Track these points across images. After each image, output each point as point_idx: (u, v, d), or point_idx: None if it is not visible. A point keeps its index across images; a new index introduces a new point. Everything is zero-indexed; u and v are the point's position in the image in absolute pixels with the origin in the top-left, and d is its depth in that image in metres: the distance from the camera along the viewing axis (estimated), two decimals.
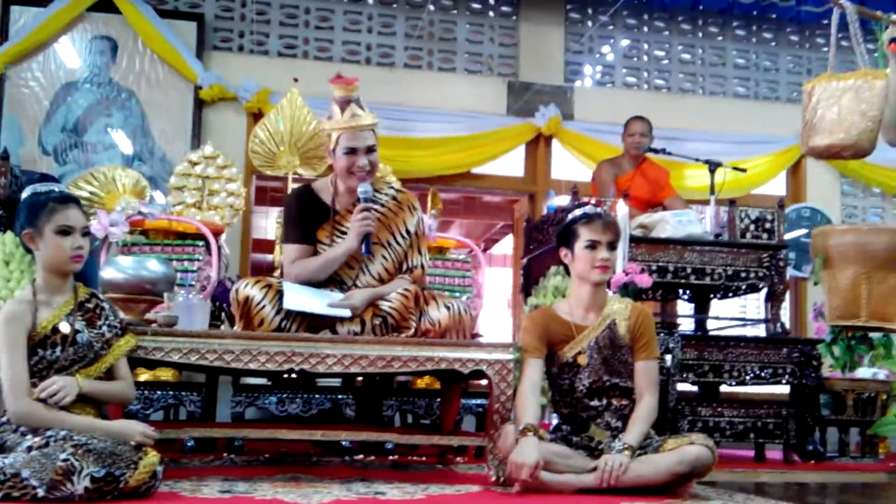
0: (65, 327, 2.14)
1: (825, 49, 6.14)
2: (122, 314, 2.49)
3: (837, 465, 3.82)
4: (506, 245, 8.24)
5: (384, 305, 2.67)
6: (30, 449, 1.93)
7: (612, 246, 2.55)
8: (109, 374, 2.25)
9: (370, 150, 2.76)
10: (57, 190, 2.24)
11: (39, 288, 2.18)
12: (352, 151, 2.74)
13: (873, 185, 6.13)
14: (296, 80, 4.16)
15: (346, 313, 2.62)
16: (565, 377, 2.56)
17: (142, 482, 1.98)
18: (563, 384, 2.57)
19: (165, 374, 3.72)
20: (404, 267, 2.83)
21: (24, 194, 2.24)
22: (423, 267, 2.86)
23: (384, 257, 2.81)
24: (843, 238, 2.27)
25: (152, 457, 2.02)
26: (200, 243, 3.61)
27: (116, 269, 2.71)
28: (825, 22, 5.65)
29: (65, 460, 1.86)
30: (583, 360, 2.53)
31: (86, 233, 2.21)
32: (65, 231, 2.16)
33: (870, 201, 6.23)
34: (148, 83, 5.26)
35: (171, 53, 5.21)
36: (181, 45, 5.23)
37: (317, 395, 3.53)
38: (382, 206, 2.85)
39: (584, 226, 2.56)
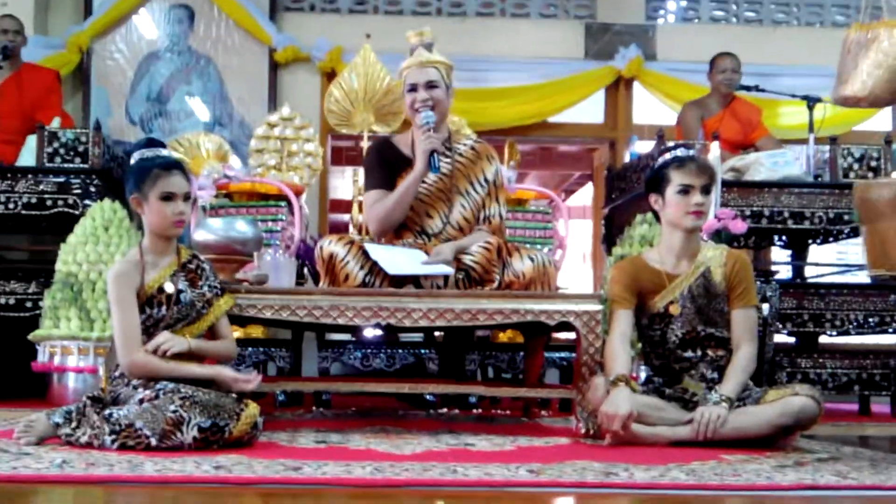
0: (169, 287, 2.24)
1: None
2: None
3: None
4: (583, 196, 8.07)
5: (466, 259, 2.65)
6: (141, 401, 2.04)
7: (706, 190, 2.45)
8: (210, 333, 2.34)
9: (431, 84, 2.78)
10: (162, 156, 2.30)
11: (145, 249, 2.28)
12: (413, 88, 2.79)
13: None
14: (368, 36, 4.13)
15: (447, 270, 2.61)
16: (657, 328, 2.48)
17: (244, 432, 2.07)
18: (655, 335, 2.49)
19: (256, 332, 3.82)
20: (482, 216, 2.83)
21: (132, 160, 2.31)
22: (500, 217, 2.85)
23: (463, 206, 2.81)
24: (877, 192, 2.17)
25: (252, 408, 2.12)
26: (282, 204, 3.67)
27: (207, 230, 2.78)
28: None
29: (174, 412, 1.97)
30: (675, 309, 2.45)
31: (187, 198, 2.27)
32: (167, 197, 2.24)
33: None
34: (224, 49, 5.32)
35: (245, 17, 5.25)
36: (254, 8, 5.26)
37: (400, 350, 3.56)
38: (461, 155, 2.85)
39: (676, 170, 2.46)
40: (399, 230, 2.81)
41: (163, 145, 2.37)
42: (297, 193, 3.75)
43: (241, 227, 2.83)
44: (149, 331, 2.21)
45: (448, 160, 2.84)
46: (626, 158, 4.30)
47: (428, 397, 3.40)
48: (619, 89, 5.46)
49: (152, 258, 2.26)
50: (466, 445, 2.24)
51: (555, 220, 3.83)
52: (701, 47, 5.06)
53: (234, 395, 2.12)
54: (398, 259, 2.62)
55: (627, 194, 3.94)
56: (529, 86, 5.33)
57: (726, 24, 5.65)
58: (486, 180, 2.86)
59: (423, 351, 3.57)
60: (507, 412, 3.38)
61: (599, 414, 2.29)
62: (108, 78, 5.29)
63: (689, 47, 5.33)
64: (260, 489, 1.60)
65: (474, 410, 3.39)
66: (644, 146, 4.12)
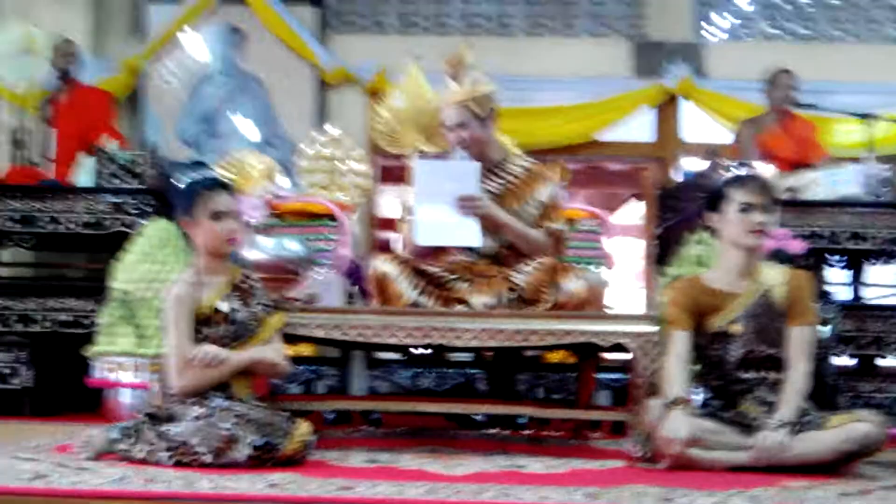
0: (224, 307, 2.27)
1: None
2: None
3: None
4: (629, 214, 7.98)
5: (518, 279, 2.63)
6: (196, 419, 2.06)
7: (767, 209, 2.40)
8: None
9: (461, 125, 2.76)
10: (209, 177, 2.35)
11: (198, 269, 2.30)
12: (447, 127, 2.79)
13: None
14: (419, 57, 4.15)
15: (474, 241, 2.63)
16: (716, 348, 2.43)
17: (296, 451, 2.08)
18: (713, 355, 2.43)
19: (305, 350, 3.84)
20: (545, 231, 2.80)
21: (180, 182, 2.36)
22: (559, 230, 2.82)
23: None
24: None
25: (305, 427, 2.14)
26: (332, 223, 3.69)
27: (258, 249, 2.81)
28: None
29: (228, 429, 2.00)
30: (736, 328, 2.40)
31: (236, 216, 2.30)
32: (217, 215, 2.27)
33: None
34: (273, 69, 5.41)
35: (293, 39, 5.34)
36: (303, 29, 5.35)
37: (449, 370, 3.55)
38: (514, 176, 2.84)
39: (738, 188, 2.43)
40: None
41: (207, 166, 2.42)
42: (347, 212, 3.78)
43: (292, 246, 2.86)
44: None
45: (501, 181, 2.83)
46: (676, 177, 4.25)
47: (477, 418, 3.37)
48: (668, 107, 5.40)
49: (206, 278, 2.29)
50: (518, 467, 2.22)
51: (604, 239, 3.78)
52: (752, 64, 4.97)
53: (285, 414, 2.14)
54: (436, 229, 2.64)
55: (681, 214, 3.89)
56: (578, 105, 5.31)
57: (779, 40, 5.56)
58: (539, 202, 2.83)
59: (472, 371, 3.55)
60: (558, 433, 3.33)
61: (657, 438, 2.24)
62: (161, 99, 5.42)
63: (741, 64, 5.25)
64: None
65: (524, 431, 3.34)
66: (693, 164, 4.07)
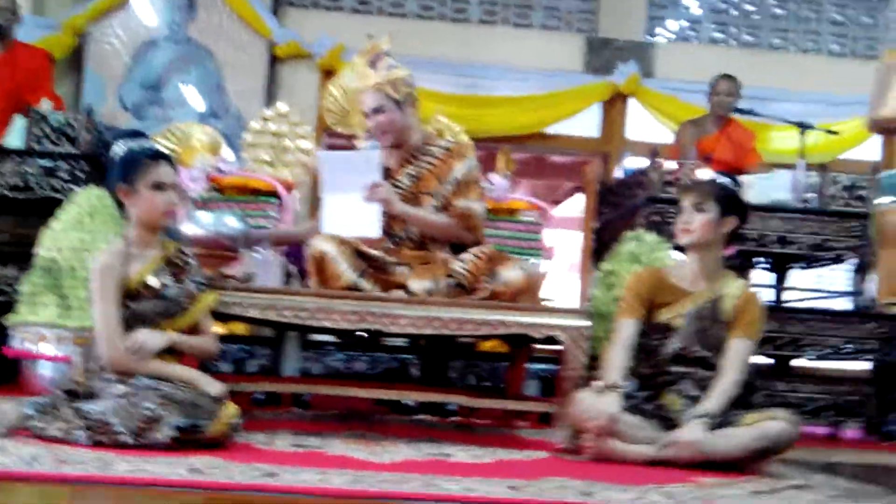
0: (153, 281, 2.20)
1: None
2: None
3: None
4: (572, 207, 8.09)
5: (457, 266, 2.64)
6: (118, 397, 2.00)
7: (697, 207, 2.47)
8: (192, 329, 2.30)
9: (378, 110, 2.77)
10: (151, 146, 2.27)
11: (131, 242, 2.23)
12: (364, 113, 2.81)
13: None
14: (371, 36, 4.10)
15: (372, 233, 2.63)
16: (656, 338, 2.50)
17: (221, 433, 2.04)
18: (651, 346, 2.51)
19: (238, 329, 3.79)
20: (451, 212, 2.82)
21: (118, 150, 2.27)
22: (471, 210, 2.82)
23: (432, 207, 2.80)
24: (892, 217, 2.19)
25: (231, 409, 2.08)
26: (273, 200, 3.64)
27: (196, 224, 2.75)
28: None
29: (150, 409, 1.94)
30: (678, 322, 2.48)
31: (177, 188, 2.25)
32: (158, 187, 2.20)
33: None
34: (224, 40, 5.30)
35: (246, 9, 5.23)
36: (256, 1, 5.23)
37: (383, 355, 3.55)
38: (434, 157, 2.85)
39: (680, 192, 2.60)
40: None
41: (145, 136, 2.35)
42: (289, 190, 3.73)
43: (231, 222, 2.81)
44: (129, 325, 2.16)
45: (421, 163, 2.84)
46: (617, 173, 4.31)
47: (408, 403, 3.38)
48: (615, 104, 5.48)
49: (137, 250, 2.22)
50: (445, 456, 2.23)
51: (544, 231, 3.82)
52: (699, 67, 5.10)
53: (212, 394, 2.09)
54: (343, 220, 2.64)
55: (618, 209, 3.95)
56: (528, 96, 5.35)
57: (725, 45, 5.68)
58: (454, 179, 2.83)
59: (406, 356, 3.56)
60: (486, 421, 3.37)
61: (583, 415, 2.30)
62: (104, 63, 5.24)
63: (687, 67, 5.37)
64: (235, 496, 1.57)
65: (453, 418, 3.37)
66: (636, 162, 4.14)
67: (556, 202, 8.34)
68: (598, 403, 2.28)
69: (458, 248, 2.82)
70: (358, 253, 2.60)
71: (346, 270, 2.57)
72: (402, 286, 2.62)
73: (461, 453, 2.29)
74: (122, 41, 5.26)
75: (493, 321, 2.50)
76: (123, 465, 1.71)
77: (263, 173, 3.79)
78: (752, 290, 2.54)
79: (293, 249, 3.37)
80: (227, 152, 4.05)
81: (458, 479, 1.82)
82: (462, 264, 2.64)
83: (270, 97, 5.15)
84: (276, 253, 3.01)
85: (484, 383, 3.75)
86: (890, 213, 2.31)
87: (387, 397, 2.73)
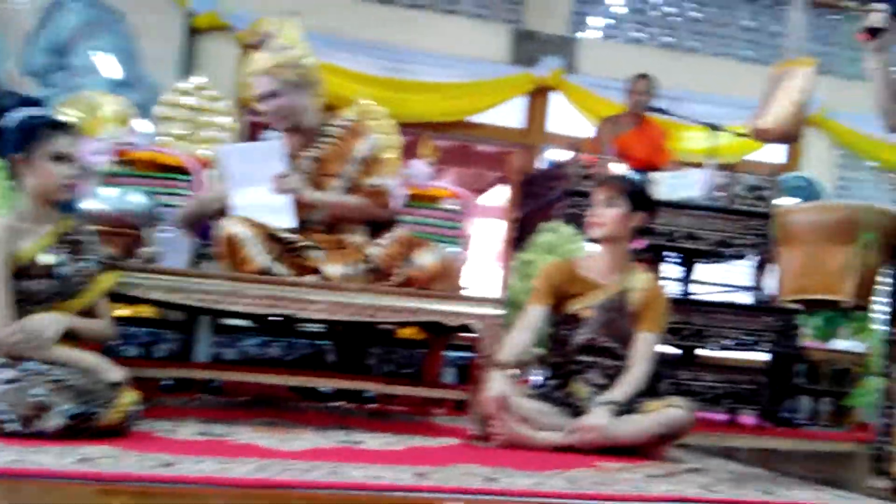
0: (46, 258, 2.06)
1: (834, 17, 5.98)
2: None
3: (808, 432, 3.88)
4: (497, 196, 8.15)
5: (372, 250, 2.62)
6: (4, 382, 1.88)
7: (609, 202, 2.55)
8: (89, 311, 2.17)
9: (271, 94, 2.69)
10: (50, 114, 2.14)
11: (23, 216, 2.09)
12: (258, 99, 2.72)
13: (867, 159, 6.08)
14: (298, 13, 4.00)
15: (286, 222, 2.59)
16: (565, 328, 2.58)
17: (116, 421, 1.94)
18: (561, 335, 2.59)
19: (146, 311, 3.65)
20: (361, 193, 2.79)
21: (15, 117, 2.12)
22: (382, 188, 2.80)
23: (336, 188, 2.76)
24: (796, 216, 2.34)
25: (129, 396, 1.99)
26: (185, 177, 3.51)
27: (98, 199, 2.63)
28: None
29: (39, 396, 1.83)
30: (587, 313, 2.55)
31: (78, 160, 2.12)
32: (58, 158, 2.07)
33: (865, 175, 6.18)
34: (139, 6, 5.05)
35: None
36: None
37: (299, 340, 3.49)
38: (334, 137, 2.80)
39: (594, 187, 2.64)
40: None
41: (40, 104, 2.21)
42: (204, 167, 3.60)
43: (136, 199, 2.69)
44: (21, 305, 2.02)
45: (321, 145, 2.78)
46: (539, 164, 4.36)
47: (324, 389, 3.34)
48: (539, 97, 5.54)
49: (29, 225, 2.08)
50: (356, 443, 2.21)
51: (465, 219, 3.82)
52: (620, 65, 5.20)
53: (111, 381, 1.99)
54: (254, 209, 2.58)
55: (539, 201, 4.00)
56: (453, 83, 5.33)
57: (645, 45, 5.81)
58: (359, 157, 2.79)
59: (322, 342, 3.51)
60: (403, 408, 3.37)
61: (482, 401, 2.36)
62: (6, 24, 4.94)
63: (609, 64, 5.47)
64: (127, 487, 1.49)
65: (370, 405, 3.36)
66: (557, 155, 4.20)
67: (483, 191, 8.39)
68: (489, 385, 2.34)
69: (373, 230, 2.80)
70: (271, 236, 2.53)
71: (258, 254, 2.50)
72: (317, 270, 2.57)
73: (373, 441, 2.28)
74: (25, 1, 4.97)
75: (409, 308, 2.49)
76: (9, 455, 1.62)
77: (176, 149, 3.65)
78: (658, 283, 2.65)
79: (205, 229, 3.27)
80: (143, 124, 3.88)
81: (366, 467, 1.81)
82: (377, 248, 2.62)
83: (188, 69, 4.96)
84: (187, 233, 2.91)
85: (404, 370, 3.73)
86: (792, 213, 2.42)
87: (300, 384, 2.69)
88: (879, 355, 2.43)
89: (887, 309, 2.37)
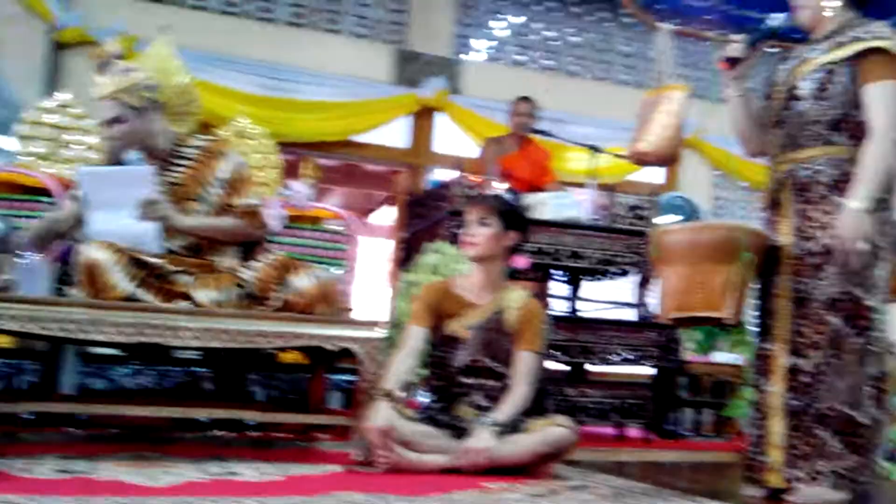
0: None
1: (708, 44, 6.30)
2: None
3: (692, 443, 4.01)
4: (385, 216, 8.13)
5: (246, 274, 2.53)
6: None
7: (482, 222, 2.56)
8: None
9: (114, 120, 2.62)
10: None
11: None
12: (103, 124, 2.65)
13: (741, 179, 6.41)
14: (165, 28, 3.87)
15: (154, 248, 2.49)
16: (445, 350, 2.56)
17: None
18: (441, 357, 2.56)
19: (5, 341, 3.39)
20: (234, 212, 2.72)
21: None
22: (255, 207, 2.74)
23: (198, 212, 2.67)
24: (674, 236, 2.43)
25: None
26: (47, 200, 3.30)
27: None
28: (708, 18, 5.85)
29: None
30: (465, 334, 2.54)
31: None
32: None
33: (738, 194, 6.52)
34: (1, 19, 4.76)
35: None
36: None
37: (174, 368, 3.34)
38: (191, 160, 2.72)
39: (467, 205, 2.64)
40: None
41: None
42: (66, 189, 3.40)
43: None
44: None
45: (178, 169, 2.70)
46: (427, 185, 4.37)
47: (202, 418, 3.19)
48: (424, 117, 5.58)
49: None
50: (231, 475, 2.11)
51: (350, 240, 3.78)
52: (504, 87, 5.32)
53: None
54: (116, 234, 2.47)
55: (425, 221, 4.00)
56: (336, 102, 5.29)
57: (527, 68, 5.97)
58: (221, 180, 2.71)
59: (199, 369, 3.36)
60: (287, 435, 3.27)
61: (364, 430, 2.30)
62: None
63: (493, 86, 5.58)
64: None
65: (252, 433, 3.23)
66: (442, 175, 4.22)
67: (371, 211, 8.36)
68: (373, 415, 2.30)
69: (244, 252, 2.72)
70: (135, 261, 2.41)
71: (121, 280, 2.37)
72: (187, 296, 2.47)
73: (250, 471, 2.18)
74: None
75: (286, 333, 2.42)
76: None
77: (38, 169, 3.45)
78: (534, 301, 2.65)
79: (66, 254, 3.08)
80: (5, 142, 3.63)
81: (238, 500, 1.72)
82: (251, 272, 2.54)
83: (54, 86, 4.70)
84: (47, 258, 2.72)
85: (289, 395, 3.63)
86: (672, 233, 2.49)
87: (172, 414, 2.54)
88: (751, 368, 2.52)
89: (757, 323, 2.48)
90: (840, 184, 2.30)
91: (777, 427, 2.34)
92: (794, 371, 2.33)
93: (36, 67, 4.78)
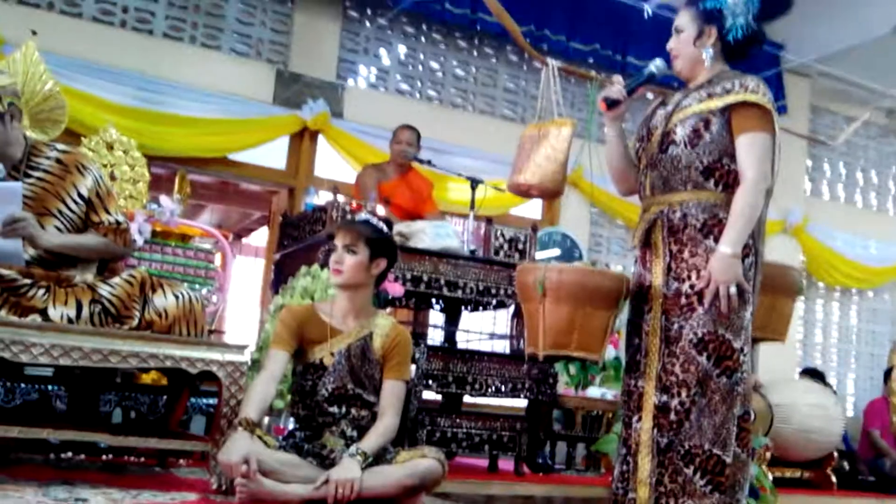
0: None
1: (588, 86, 6.44)
2: None
3: (564, 477, 4.05)
4: (262, 236, 7.98)
5: (104, 291, 2.43)
6: None
7: (349, 249, 2.52)
8: None
9: None
10: None
11: None
12: None
13: (618, 218, 6.62)
14: (34, 32, 3.68)
15: (16, 260, 2.39)
16: (309, 378, 2.50)
17: None
18: (306, 385, 2.50)
19: None
20: (101, 229, 2.63)
21: None
22: (118, 224, 2.66)
23: (57, 228, 2.57)
24: (561, 276, 2.46)
25: None
26: None
27: None
28: (589, 61, 6.09)
29: None
30: (329, 361, 2.49)
31: None
32: None
33: (615, 232, 6.73)
34: None
35: None
36: None
37: (22, 385, 3.14)
38: (45, 171, 2.61)
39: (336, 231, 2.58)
40: None
41: None
42: None
43: None
44: None
45: (32, 181, 2.57)
46: (303, 208, 4.32)
47: (52, 440, 3.00)
48: (303, 139, 5.54)
49: None
50: (79, 501, 2.02)
51: (220, 261, 3.68)
52: (386, 114, 5.36)
53: None
54: None
55: (299, 243, 3.96)
56: (213, 119, 5.16)
57: (411, 97, 6.05)
58: (80, 196, 2.62)
59: (50, 387, 3.18)
60: (142, 459, 3.13)
61: (219, 461, 2.22)
62: None
63: (376, 112, 5.60)
64: None
65: (104, 456, 3.07)
66: (322, 198, 4.19)
67: (247, 231, 8.17)
68: (224, 452, 2.22)
69: (100, 267, 2.63)
70: None
71: None
72: (41, 311, 2.34)
73: (98, 497, 2.10)
74: None
75: (143, 353, 2.34)
76: None
77: None
78: (401, 328, 2.63)
79: None
80: None
81: None
82: (110, 289, 2.44)
83: None
84: None
85: (149, 417, 3.46)
86: (560, 271, 2.51)
87: (18, 434, 2.38)
88: (621, 404, 2.56)
89: (628, 360, 2.53)
90: (709, 227, 2.39)
91: (645, 464, 2.36)
92: (662, 409, 2.36)
93: None
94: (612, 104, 2.51)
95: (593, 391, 4.45)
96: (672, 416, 2.35)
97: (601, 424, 4.38)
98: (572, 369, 4.41)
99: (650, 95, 5.16)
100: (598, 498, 3.44)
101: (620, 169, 2.62)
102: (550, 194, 2.91)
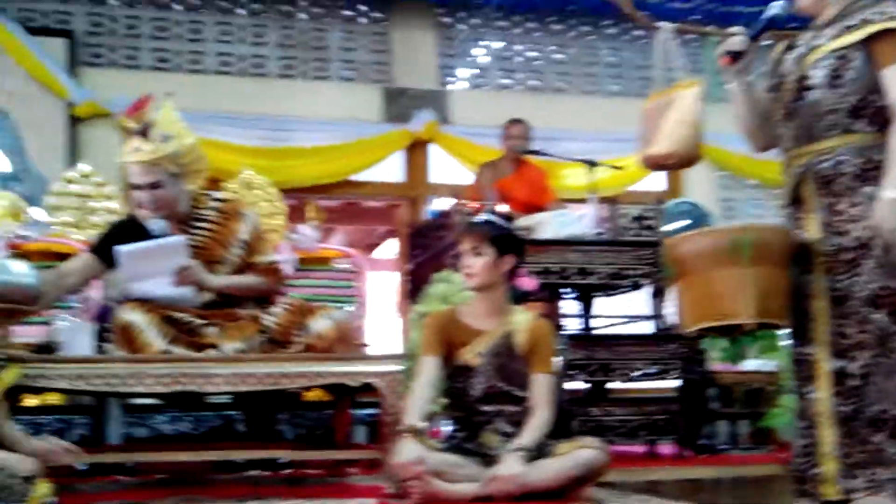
0: None
1: (695, 45, 6.06)
2: None
3: (729, 457, 3.84)
4: (387, 250, 8.23)
5: (268, 321, 2.68)
6: None
7: (475, 251, 2.55)
8: None
9: (154, 185, 2.71)
10: None
11: None
12: (136, 187, 2.73)
13: (748, 178, 6.33)
14: (170, 94, 4.08)
15: (189, 297, 2.65)
16: (459, 380, 2.56)
17: None
18: (457, 387, 2.58)
19: (53, 398, 3.58)
20: (256, 269, 2.85)
21: None
22: (275, 264, 2.88)
23: (224, 272, 2.80)
24: (681, 247, 2.32)
25: (42, 487, 1.98)
26: None
27: None
28: (692, 18, 5.84)
29: None
30: (476, 361, 2.54)
31: None
32: None
33: (746, 192, 6.43)
34: (21, 101, 5.07)
35: (41, 71, 5.07)
36: (52, 62, 5.08)
37: (207, 413, 3.49)
38: (211, 222, 2.85)
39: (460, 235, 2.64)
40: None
41: None
42: None
43: (19, 269, 2.32)
44: None
45: (199, 231, 2.82)
46: (426, 216, 4.46)
47: (236, 460, 3.33)
48: (416, 150, 5.72)
49: None
50: None
51: (359, 277, 3.87)
52: (491, 112, 5.37)
53: (21, 474, 1.97)
54: (143, 277, 2.62)
55: (427, 251, 4.07)
56: (330, 146, 5.45)
57: (512, 91, 6.06)
58: (240, 240, 2.85)
59: (230, 412, 3.52)
60: (317, 471, 3.36)
61: (393, 467, 2.32)
62: None
63: (481, 112, 5.66)
64: None
65: (283, 471, 3.36)
66: (441, 205, 4.31)
67: (374, 246, 8.47)
68: (402, 451, 2.30)
69: (264, 300, 2.85)
70: (165, 319, 2.58)
71: (155, 338, 2.54)
72: (215, 347, 2.62)
73: None
74: None
75: (309, 373, 2.56)
76: None
77: (69, 237, 3.65)
78: (542, 321, 2.64)
79: (104, 312, 3.26)
80: (36, 212, 3.82)
81: None
82: (272, 318, 2.68)
83: (73, 157, 4.95)
84: (86, 318, 2.92)
85: (316, 432, 3.74)
86: (678, 244, 2.35)
87: (211, 457, 2.71)
88: (789, 374, 2.39)
89: (793, 326, 2.33)
90: (866, 173, 2.16)
91: (828, 436, 2.18)
92: (840, 375, 2.17)
93: (56, 143, 5.04)
94: (734, 57, 2.32)
95: (749, 364, 4.17)
96: (852, 382, 2.15)
97: (763, 399, 4.15)
98: (723, 343, 4.21)
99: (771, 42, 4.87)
100: (772, 476, 3.18)
101: (754, 124, 2.42)
102: (687, 161, 2.75)
